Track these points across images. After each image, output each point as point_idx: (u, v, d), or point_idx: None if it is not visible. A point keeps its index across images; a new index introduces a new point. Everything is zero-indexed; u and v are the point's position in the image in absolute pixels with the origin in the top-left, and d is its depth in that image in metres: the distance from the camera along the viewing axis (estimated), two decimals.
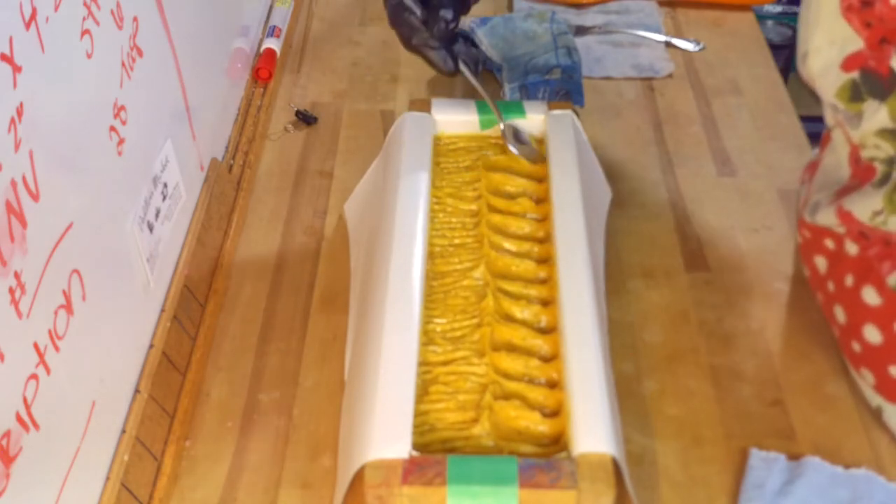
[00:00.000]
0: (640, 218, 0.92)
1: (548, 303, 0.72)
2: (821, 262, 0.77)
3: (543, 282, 0.73)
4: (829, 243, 0.75)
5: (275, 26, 1.10)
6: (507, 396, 0.66)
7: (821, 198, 0.76)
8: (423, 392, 0.66)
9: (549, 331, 0.70)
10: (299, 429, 0.75)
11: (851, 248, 0.72)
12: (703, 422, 0.75)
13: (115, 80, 0.65)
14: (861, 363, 0.73)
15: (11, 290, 0.50)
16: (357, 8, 1.23)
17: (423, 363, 0.67)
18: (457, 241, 0.76)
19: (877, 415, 0.73)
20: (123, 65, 0.66)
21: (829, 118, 0.74)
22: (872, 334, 0.71)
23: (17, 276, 0.50)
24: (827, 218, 0.74)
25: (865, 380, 0.73)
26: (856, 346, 0.73)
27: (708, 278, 0.86)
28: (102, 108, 0.63)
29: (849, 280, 0.73)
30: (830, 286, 0.75)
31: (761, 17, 1.38)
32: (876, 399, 0.73)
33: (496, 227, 0.77)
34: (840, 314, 0.75)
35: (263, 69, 1.04)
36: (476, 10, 1.22)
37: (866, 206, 0.71)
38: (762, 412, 0.75)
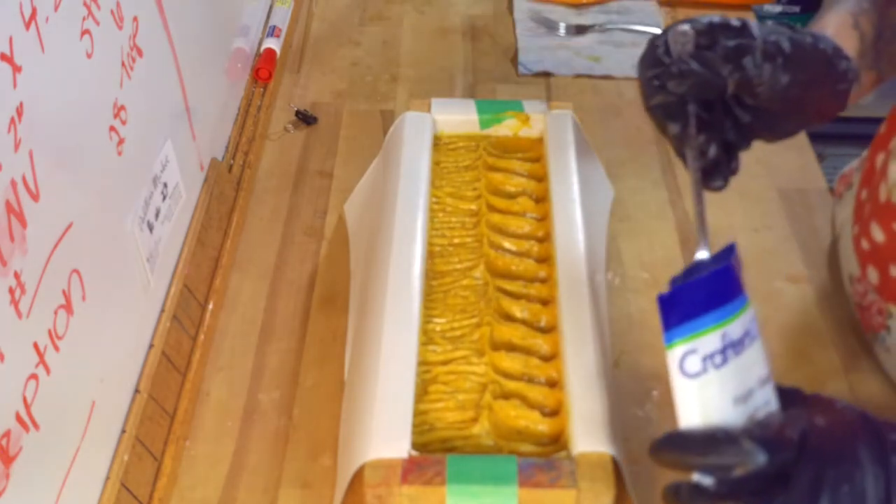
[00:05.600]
0: (640, 218, 0.92)
1: (547, 302, 0.72)
2: None
3: (543, 281, 0.73)
4: None
5: (275, 26, 1.10)
6: (507, 396, 0.66)
7: None
8: (422, 391, 0.66)
9: (549, 330, 0.70)
10: (299, 429, 0.75)
11: None
12: None
13: (115, 80, 0.65)
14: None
15: (11, 290, 0.50)
16: (357, 8, 1.23)
17: (422, 363, 0.67)
18: (456, 240, 0.76)
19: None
20: (123, 65, 0.66)
21: None
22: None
23: (17, 276, 0.50)
24: None
25: None
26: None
27: None
28: (102, 108, 0.63)
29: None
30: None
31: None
32: None
33: (496, 226, 0.77)
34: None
35: (263, 69, 1.04)
36: (476, 10, 1.22)
37: None
38: None
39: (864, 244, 0.75)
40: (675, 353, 0.50)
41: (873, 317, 0.75)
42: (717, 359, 0.49)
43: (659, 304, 0.50)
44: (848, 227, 0.79)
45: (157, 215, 0.73)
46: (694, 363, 0.49)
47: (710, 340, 0.49)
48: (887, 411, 0.75)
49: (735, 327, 0.50)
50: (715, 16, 0.61)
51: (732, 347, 0.50)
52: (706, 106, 0.62)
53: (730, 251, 0.53)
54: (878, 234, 0.72)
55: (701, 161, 0.61)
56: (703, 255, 0.58)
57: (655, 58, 0.61)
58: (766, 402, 0.51)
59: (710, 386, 0.50)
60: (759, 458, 0.47)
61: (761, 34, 0.60)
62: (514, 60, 1.13)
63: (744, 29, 0.60)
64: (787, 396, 0.52)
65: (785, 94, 0.60)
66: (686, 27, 0.60)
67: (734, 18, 0.61)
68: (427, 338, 0.69)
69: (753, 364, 0.51)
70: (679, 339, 0.50)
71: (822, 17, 0.67)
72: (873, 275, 0.74)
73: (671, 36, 0.60)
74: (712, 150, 0.62)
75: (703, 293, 0.50)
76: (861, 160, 0.85)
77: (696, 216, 0.61)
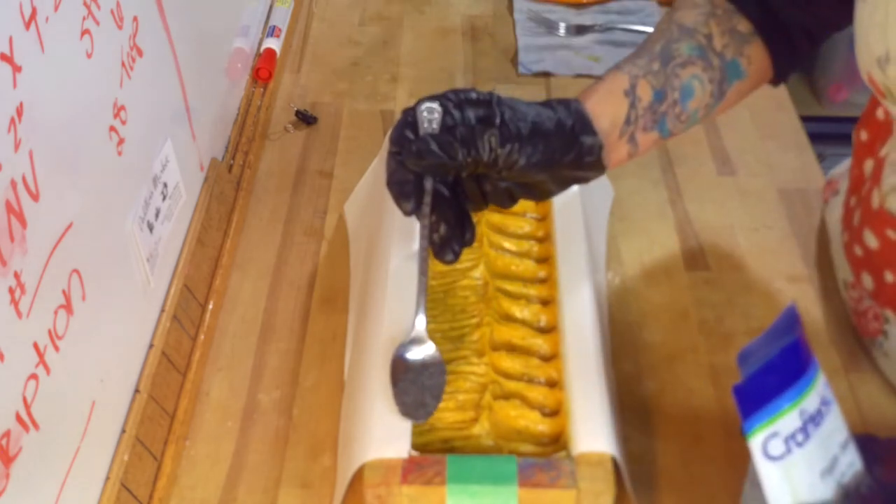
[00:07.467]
0: (640, 218, 0.92)
1: (547, 302, 0.72)
2: None
3: (543, 281, 0.73)
4: None
5: (275, 26, 1.10)
6: (507, 396, 0.66)
7: None
8: None
9: (549, 330, 0.70)
10: (299, 429, 0.75)
11: None
12: (703, 421, 0.75)
13: (115, 80, 0.65)
14: None
15: (11, 290, 0.50)
16: (357, 8, 1.23)
17: None
18: None
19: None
20: (123, 65, 0.66)
21: None
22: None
23: (17, 276, 0.50)
24: None
25: None
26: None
27: (708, 278, 0.86)
28: (102, 108, 0.63)
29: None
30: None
31: None
32: None
33: (496, 226, 0.77)
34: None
35: (263, 69, 1.04)
36: (476, 10, 1.22)
37: None
38: None
39: (858, 251, 0.74)
40: (756, 440, 0.49)
41: (870, 322, 0.75)
42: (799, 436, 0.49)
43: (735, 395, 0.49)
44: (838, 234, 0.79)
45: (157, 215, 0.73)
46: (777, 446, 0.49)
47: (789, 420, 0.49)
48: (887, 411, 0.75)
49: (812, 400, 0.50)
50: (466, 90, 0.62)
51: (812, 421, 0.49)
52: (453, 178, 0.63)
53: (791, 316, 0.52)
54: (872, 241, 0.72)
55: (431, 238, 0.63)
56: (420, 323, 0.62)
57: (401, 133, 0.61)
58: (850, 463, 0.51)
59: (796, 466, 0.49)
60: None
61: (506, 114, 0.61)
62: (514, 60, 1.13)
63: (489, 108, 0.61)
64: (865, 447, 0.52)
65: (525, 170, 0.62)
66: (434, 104, 0.60)
67: (485, 94, 0.62)
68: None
69: (833, 431, 0.50)
70: (759, 425, 0.49)
71: (608, 74, 0.68)
72: (868, 281, 0.74)
73: (418, 112, 0.61)
74: (443, 229, 0.63)
75: (775, 375, 0.50)
76: (846, 165, 0.85)
77: (418, 287, 0.62)
